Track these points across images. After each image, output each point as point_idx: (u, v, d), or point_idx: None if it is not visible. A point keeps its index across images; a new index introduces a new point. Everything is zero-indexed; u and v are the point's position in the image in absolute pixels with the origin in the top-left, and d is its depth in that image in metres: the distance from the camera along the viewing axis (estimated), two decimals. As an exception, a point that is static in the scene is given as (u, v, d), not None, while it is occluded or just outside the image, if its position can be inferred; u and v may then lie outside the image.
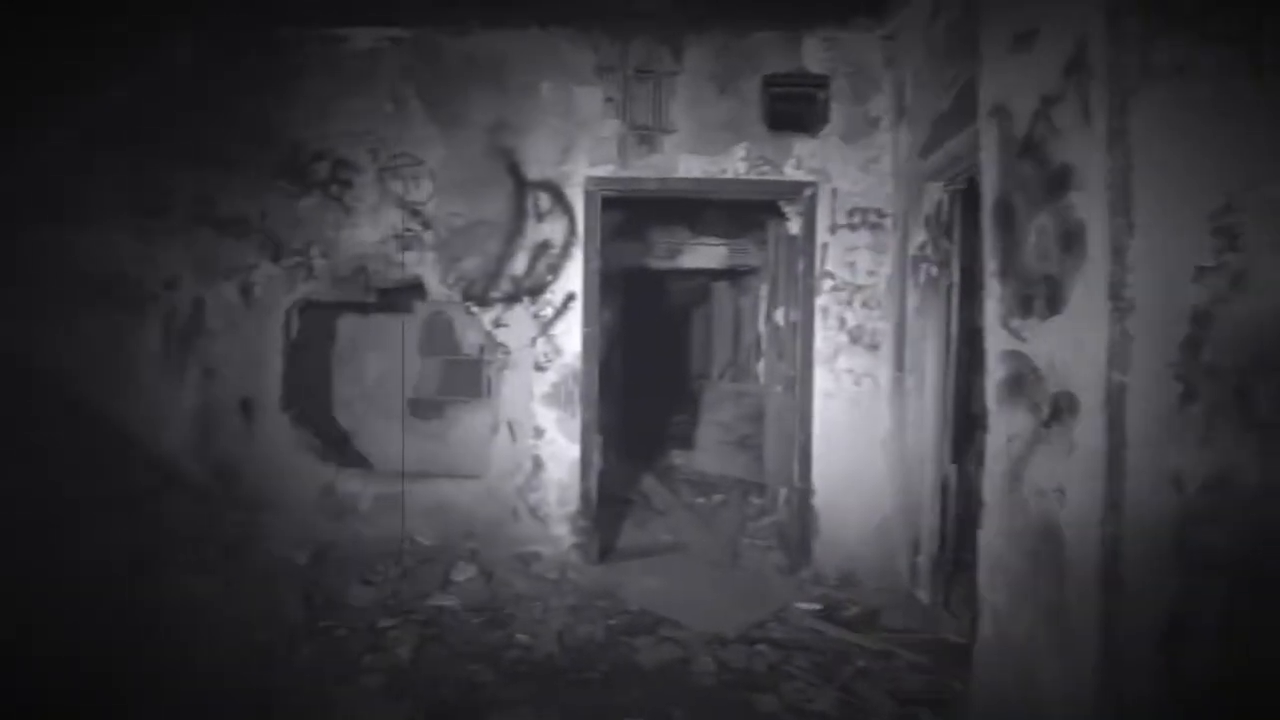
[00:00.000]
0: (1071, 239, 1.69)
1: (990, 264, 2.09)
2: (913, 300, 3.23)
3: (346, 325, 4.27)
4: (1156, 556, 1.53)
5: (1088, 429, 1.63)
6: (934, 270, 3.13)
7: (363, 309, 4.11)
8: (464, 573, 3.20)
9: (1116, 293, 1.54)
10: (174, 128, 3.68)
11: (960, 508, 3.06)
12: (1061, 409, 1.74)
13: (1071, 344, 1.70)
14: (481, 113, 3.65)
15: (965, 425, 3.27)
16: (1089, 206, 1.63)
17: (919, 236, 3.20)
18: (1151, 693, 1.54)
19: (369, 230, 3.67)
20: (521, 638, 2.77)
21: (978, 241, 3.12)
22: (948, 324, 3.11)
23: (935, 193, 3.11)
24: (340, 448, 3.97)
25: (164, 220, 3.69)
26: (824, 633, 2.89)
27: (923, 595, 3.10)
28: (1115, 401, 1.55)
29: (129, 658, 2.48)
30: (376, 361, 4.31)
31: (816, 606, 3.13)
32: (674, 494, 4.87)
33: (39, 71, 3.57)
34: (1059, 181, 1.74)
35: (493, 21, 3.59)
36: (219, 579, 3.10)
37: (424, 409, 4.32)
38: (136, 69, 3.71)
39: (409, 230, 3.67)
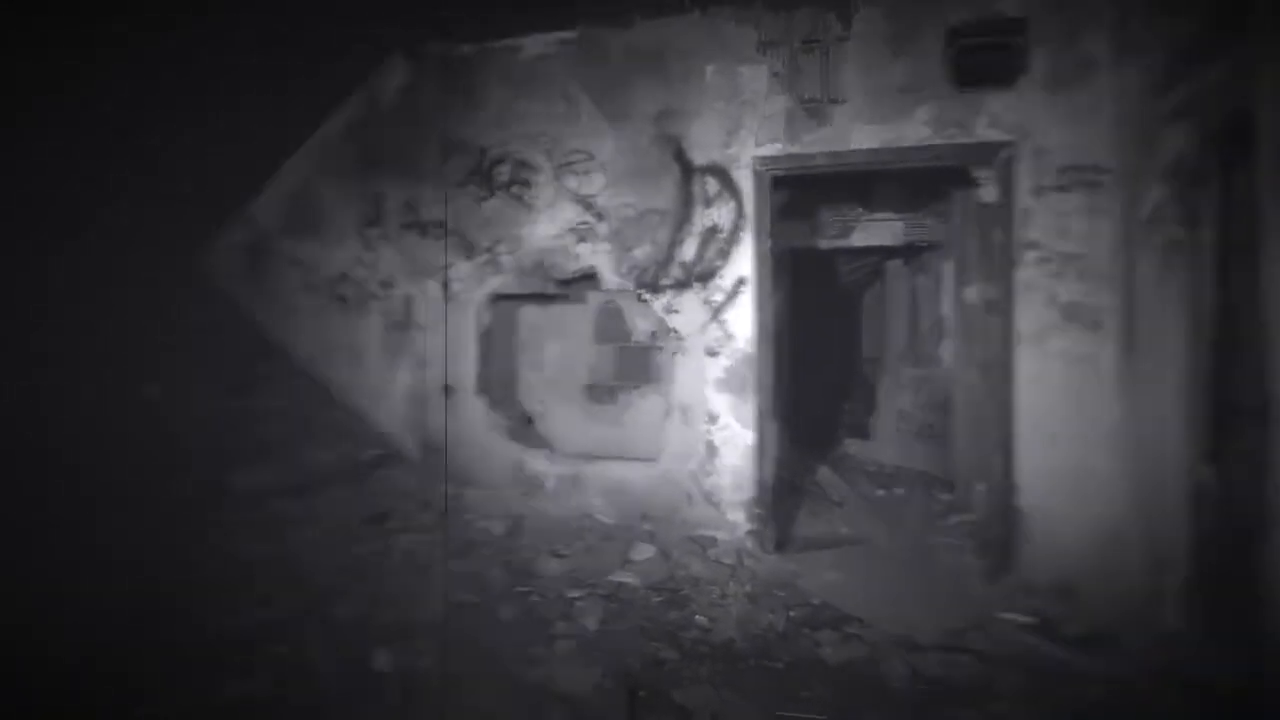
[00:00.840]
0: None
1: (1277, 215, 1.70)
2: (1147, 269, 2.75)
3: (528, 315, 4.58)
4: None
5: None
6: (1177, 231, 2.64)
7: (543, 300, 4.39)
8: (642, 553, 3.31)
9: None
10: (383, 144, 4.19)
11: (1220, 517, 2.56)
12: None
13: None
14: (647, 103, 3.71)
15: (1222, 417, 2.72)
16: None
17: (1155, 192, 2.71)
18: None
19: (547, 225, 3.90)
20: (701, 620, 2.81)
21: (1241, 191, 2.58)
22: (1198, 294, 2.60)
23: (1178, 137, 2.61)
24: (526, 430, 4.28)
25: (379, 227, 4.22)
26: (1040, 650, 2.57)
27: (1172, 620, 2.62)
28: None
29: (367, 611, 2.89)
30: (555, 349, 4.59)
31: (1027, 619, 2.81)
32: (850, 485, 4.65)
33: (282, 108, 4.24)
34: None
35: (654, 11, 3.63)
36: (432, 542, 3.52)
37: (598, 394, 4.50)
38: (354, 98, 4.27)
39: (583, 223, 3.85)
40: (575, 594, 2.99)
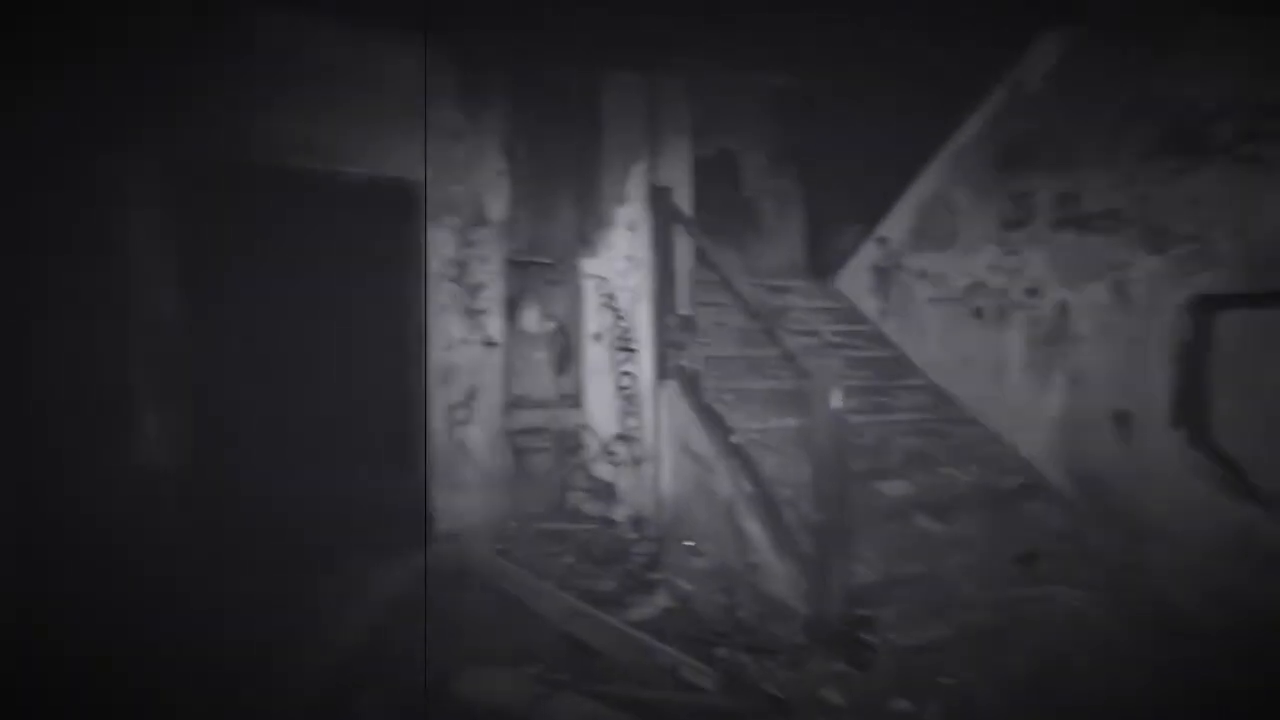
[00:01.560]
0: None
1: None
2: None
3: (1230, 322, 3.32)
4: None
5: None
6: None
7: (1267, 300, 3.10)
8: None
9: None
10: (1029, 133, 3.70)
11: None
12: None
13: None
14: None
15: None
16: None
17: None
18: None
19: (1310, 193, 2.69)
20: None
21: None
22: None
23: None
24: (1243, 478, 3.10)
25: (1024, 229, 3.76)
26: None
27: None
28: None
29: (1044, 669, 2.52)
30: (1277, 370, 3.19)
31: None
32: None
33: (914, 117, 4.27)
34: None
35: None
36: (1103, 603, 2.88)
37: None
38: (995, 93, 3.93)
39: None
40: None
